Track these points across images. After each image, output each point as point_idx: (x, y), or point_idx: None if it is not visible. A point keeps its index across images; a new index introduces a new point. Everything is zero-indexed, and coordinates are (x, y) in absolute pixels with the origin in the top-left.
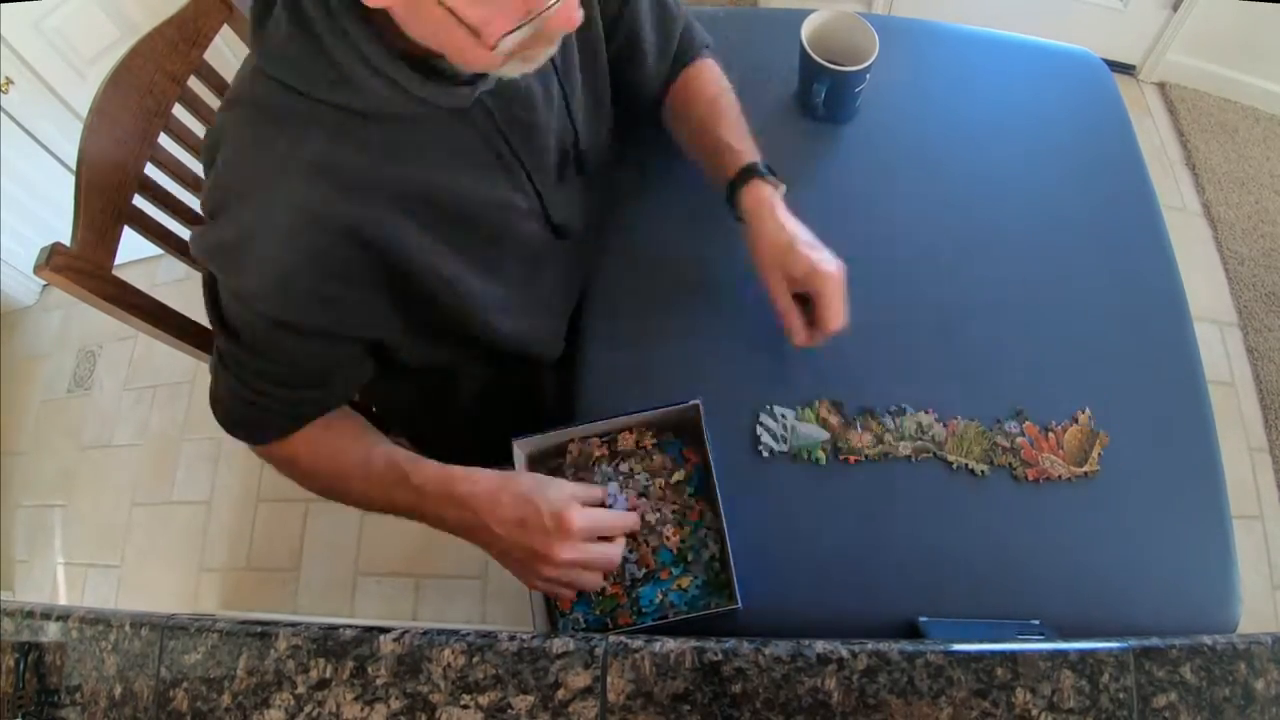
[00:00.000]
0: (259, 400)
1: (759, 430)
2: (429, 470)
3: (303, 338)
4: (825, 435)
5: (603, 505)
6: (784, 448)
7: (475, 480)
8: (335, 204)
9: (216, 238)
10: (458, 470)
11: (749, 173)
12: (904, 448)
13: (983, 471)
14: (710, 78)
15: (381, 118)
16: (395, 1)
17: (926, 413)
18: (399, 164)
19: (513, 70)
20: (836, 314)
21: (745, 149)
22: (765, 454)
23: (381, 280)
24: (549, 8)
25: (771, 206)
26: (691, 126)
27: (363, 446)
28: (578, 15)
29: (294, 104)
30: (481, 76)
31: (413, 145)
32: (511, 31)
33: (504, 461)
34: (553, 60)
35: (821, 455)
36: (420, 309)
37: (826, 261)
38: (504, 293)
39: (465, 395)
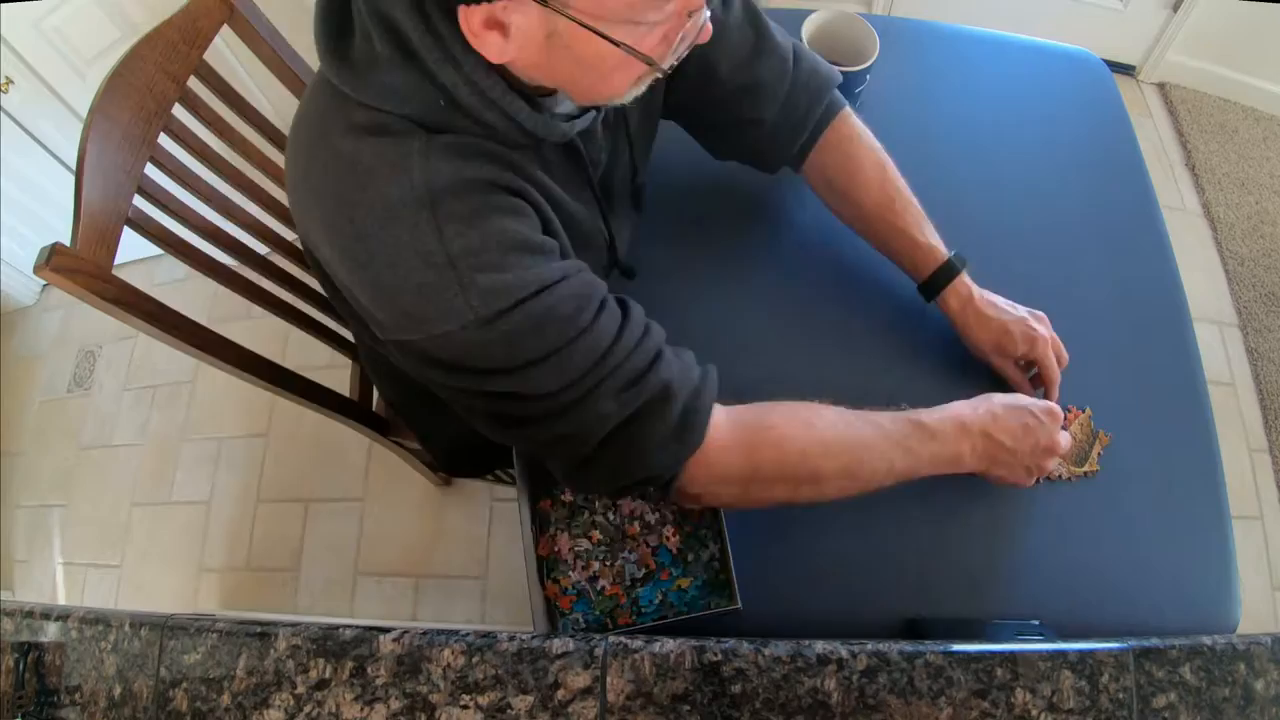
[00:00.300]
0: (637, 380)
1: None
2: (938, 415)
3: (558, 268)
4: None
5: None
6: None
7: (975, 409)
8: (483, 180)
9: (401, 289)
10: (956, 406)
11: (948, 272)
12: None
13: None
14: (866, 146)
15: (490, 145)
16: (528, 54)
17: None
18: (524, 175)
19: (630, 95)
20: (1056, 371)
21: (935, 242)
22: None
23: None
24: (700, 25)
25: (974, 300)
26: (864, 212)
27: (853, 415)
28: (711, 28)
29: (408, 130)
30: (576, 115)
31: (531, 164)
32: (677, 49)
33: (505, 462)
34: None
35: None
36: None
37: (1032, 330)
38: None
39: None
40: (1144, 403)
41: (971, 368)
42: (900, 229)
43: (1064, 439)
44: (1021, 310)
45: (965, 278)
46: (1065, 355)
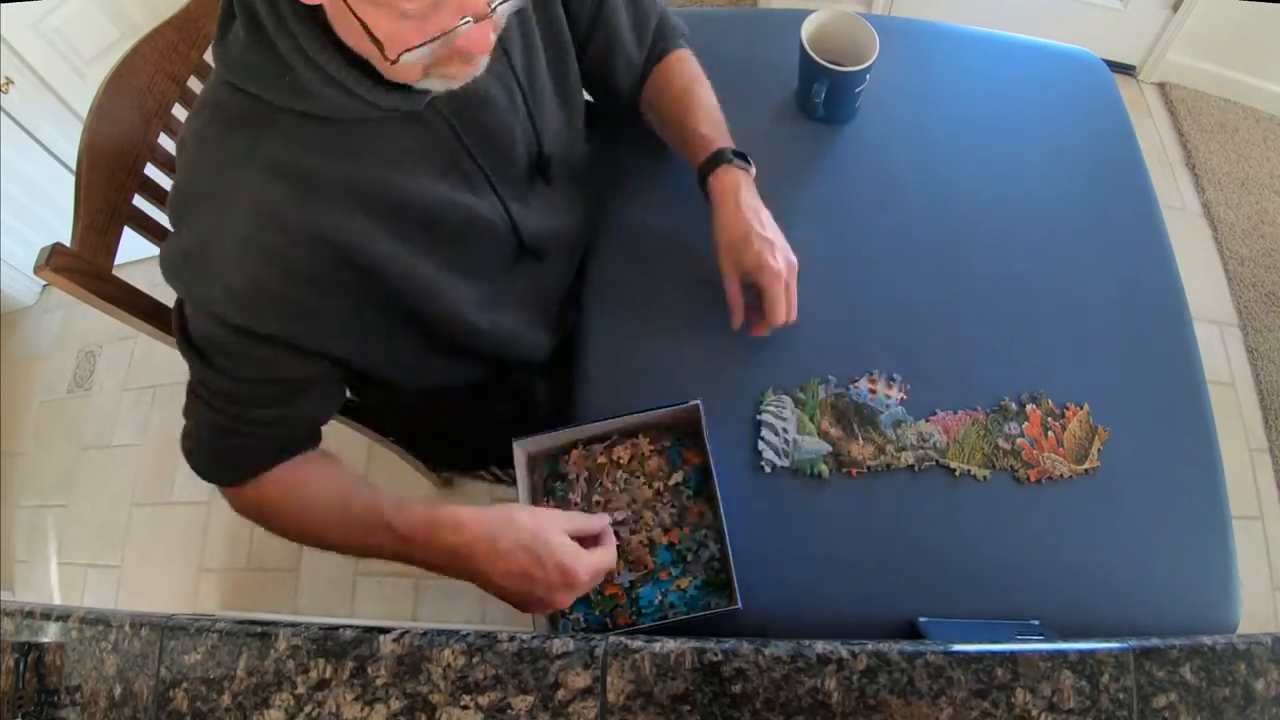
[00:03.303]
0: (231, 427)
1: (760, 445)
2: (411, 515)
3: (270, 348)
4: (827, 449)
5: (594, 538)
6: (785, 462)
7: (464, 526)
8: (294, 204)
9: (177, 248)
10: (444, 516)
11: (717, 159)
12: (906, 458)
13: (984, 476)
14: (682, 69)
15: (338, 121)
16: (328, 9)
17: (927, 421)
18: (357, 166)
19: (433, 86)
20: (778, 311)
21: (715, 135)
22: (768, 469)
23: (348, 283)
24: (455, 30)
25: (736, 193)
26: (664, 118)
27: (341, 489)
28: (490, 39)
29: (252, 109)
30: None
31: (370, 148)
32: (412, 49)
33: (505, 463)
34: (511, 63)
35: (824, 469)
36: (394, 313)
37: (774, 259)
38: (478, 290)
39: (459, 400)
40: (1144, 403)
41: (984, 346)
42: (688, 124)
43: (567, 602)
44: (780, 240)
45: (738, 174)
46: (794, 312)
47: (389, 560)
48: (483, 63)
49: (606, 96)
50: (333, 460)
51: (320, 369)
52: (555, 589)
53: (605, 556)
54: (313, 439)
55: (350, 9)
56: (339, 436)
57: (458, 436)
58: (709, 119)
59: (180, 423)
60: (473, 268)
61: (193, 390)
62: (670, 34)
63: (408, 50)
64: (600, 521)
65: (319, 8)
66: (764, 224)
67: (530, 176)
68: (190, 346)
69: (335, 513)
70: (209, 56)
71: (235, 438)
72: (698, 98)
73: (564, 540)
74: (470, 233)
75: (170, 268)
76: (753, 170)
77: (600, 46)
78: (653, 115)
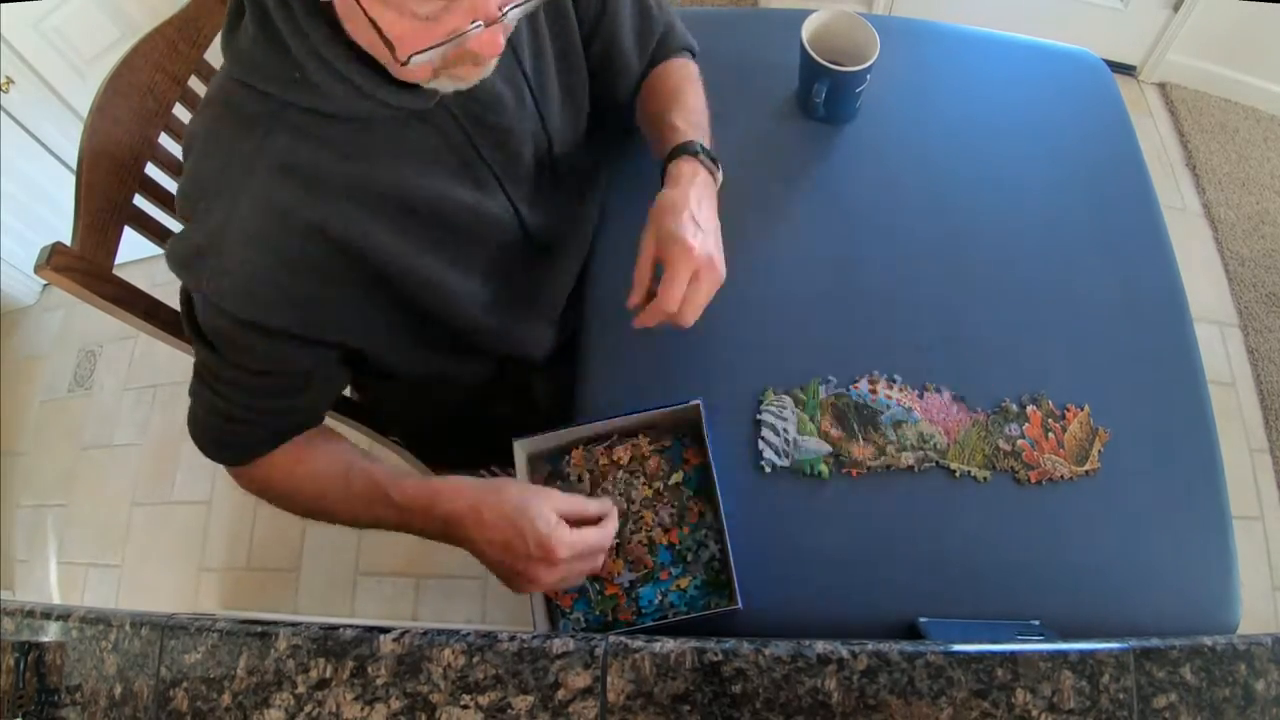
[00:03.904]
0: (236, 415)
1: (760, 445)
2: (410, 487)
3: (276, 341)
4: (827, 449)
5: (586, 519)
6: (786, 463)
7: (457, 495)
8: (302, 201)
9: (186, 243)
10: (440, 485)
11: (684, 148)
12: (906, 458)
13: (985, 478)
14: (678, 72)
15: (346, 119)
16: (339, 7)
17: (929, 422)
18: (365, 163)
19: (443, 86)
20: (673, 295)
21: (689, 131)
22: (768, 469)
23: (355, 279)
24: (465, 33)
25: (689, 180)
26: (647, 115)
27: (341, 464)
28: (500, 43)
29: (261, 105)
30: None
31: (378, 146)
32: (422, 51)
33: (505, 461)
34: (520, 63)
35: (824, 469)
36: (400, 308)
37: (695, 240)
38: (484, 289)
39: (459, 396)
40: (1144, 403)
41: (983, 347)
42: (665, 118)
43: (549, 578)
44: (713, 234)
45: (700, 168)
46: (690, 316)
47: (392, 530)
48: (492, 65)
49: (604, 103)
50: (332, 436)
51: (326, 356)
52: (534, 563)
53: (591, 536)
54: (315, 423)
55: (362, 8)
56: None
57: (460, 434)
58: (689, 117)
59: (181, 421)
60: (479, 266)
61: (199, 374)
62: (674, 44)
63: (418, 52)
64: (600, 506)
65: (329, 5)
66: (703, 216)
67: (538, 176)
68: (197, 333)
69: (337, 489)
70: (213, 53)
71: (239, 424)
72: (684, 96)
73: (547, 515)
74: (478, 231)
75: (180, 262)
76: (719, 175)
77: (599, 53)
78: (640, 117)
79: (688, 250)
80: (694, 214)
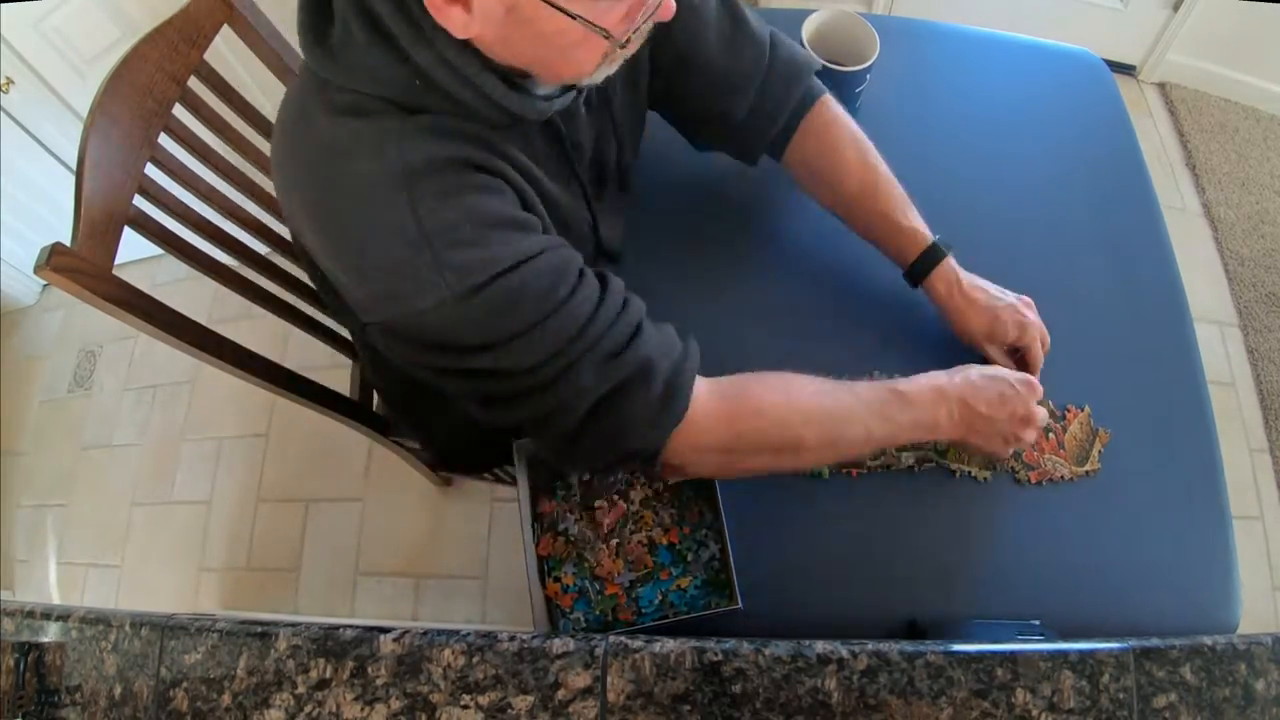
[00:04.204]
0: (615, 350)
1: None
2: (915, 384)
3: (548, 254)
4: None
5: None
6: None
7: (952, 378)
8: (463, 157)
9: (379, 265)
10: (935, 375)
11: (933, 256)
12: (906, 458)
13: (985, 478)
14: (845, 131)
15: (469, 123)
16: (491, 29)
17: None
18: (501, 152)
19: (599, 75)
20: (1040, 357)
21: (919, 226)
22: None
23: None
24: (660, 2)
25: (963, 285)
26: (846, 198)
27: (832, 384)
28: (673, 4)
29: (383, 110)
30: (554, 95)
31: (508, 143)
32: (637, 28)
33: (505, 461)
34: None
35: (824, 469)
36: None
37: (1022, 316)
38: None
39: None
40: (1144, 402)
41: (959, 350)
42: (883, 213)
43: (1041, 413)
44: (1010, 296)
45: (952, 262)
46: (1048, 340)
47: (895, 442)
48: (637, 44)
49: (707, 132)
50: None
51: (556, 240)
52: (1029, 400)
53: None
54: (667, 335)
55: (558, 8)
56: (340, 436)
57: (485, 437)
58: (902, 203)
59: (181, 421)
60: None
61: (524, 393)
62: (804, 80)
63: (635, 29)
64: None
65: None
66: (995, 295)
67: (599, 185)
68: (463, 349)
69: (854, 406)
70: (213, 53)
71: (629, 354)
72: (882, 175)
73: (1006, 369)
74: (577, 237)
75: (384, 295)
76: (953, 251)
77: (673, 59)
78: (815, 187)
79: (1031, 332)
80: (1001, 304)
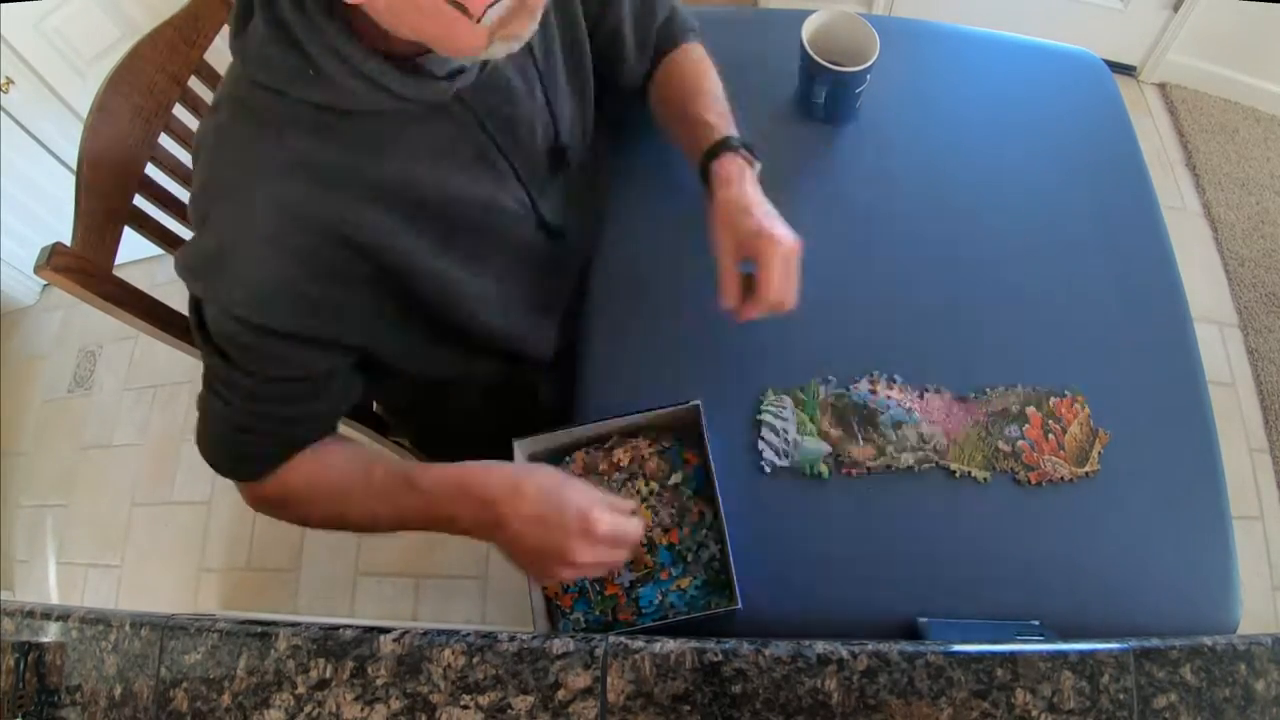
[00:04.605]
0: (251, 425)
1: (760, 445)
2: (435, 472)
3: (291, 345)
4: (827, 449)
5: (619, 510)
6: (786, 463)
7: (490, 473)
8: (316, 201)
9: (198, 249)
10: (470, 466)
11: (722, 146)
12: (906, 459)
13: (985, 479)
14: (691, 59)
15: (361, 115)
16: None
17: (929, 422)
18: (380, 160)
19: (498, 51)
20: (775, 284)
21: (721, 124)
22: (767, 469)
23: (368, 277)
24: None
25: (740, 178)
26: (670, 109)
27: (360, 464)
28: None
29: (272, 103)
30: (459, 72)
31: (393, 142)
32: (495, 2)
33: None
34: (532, 52)
35: (824, 469)
36: (411, 307)
37: (777, 229)
38: (494, 289)
39: (464, 396)
40: (1145, 404)
41: (983, 346)
42: (692, 112)
43: (586, 556)
44: (776, 214)
45: (743, 162)
46: (792, 297)
47: (413, 525)
48: (538, 16)
49: (612, 97)
50: (346, 440)
51: (340, 360)
52: (573, 538)
53: (626, 524)
54: (330, 430)
55: None
56: None
57: (468, 436)
58: (715, 107)
59: (181, 421)
60: (493, 265)
61: (209, 385)
62: (680, 29)
63: (491, 5)
64: (628, 503)
65: (354, 7)
66: (768, 205)
67: (551, 168)
68: (209, 344)
69: (359, 486)
70: (213, 53)
71: (252, 434)
72: (704, 87)
73: (589, 492)
74: (493, 227)
75: (190, 268)
76: (758, 165)
77: (602, 43)
78: (657, 110)
79: (778, 242)
80: (763, 205)
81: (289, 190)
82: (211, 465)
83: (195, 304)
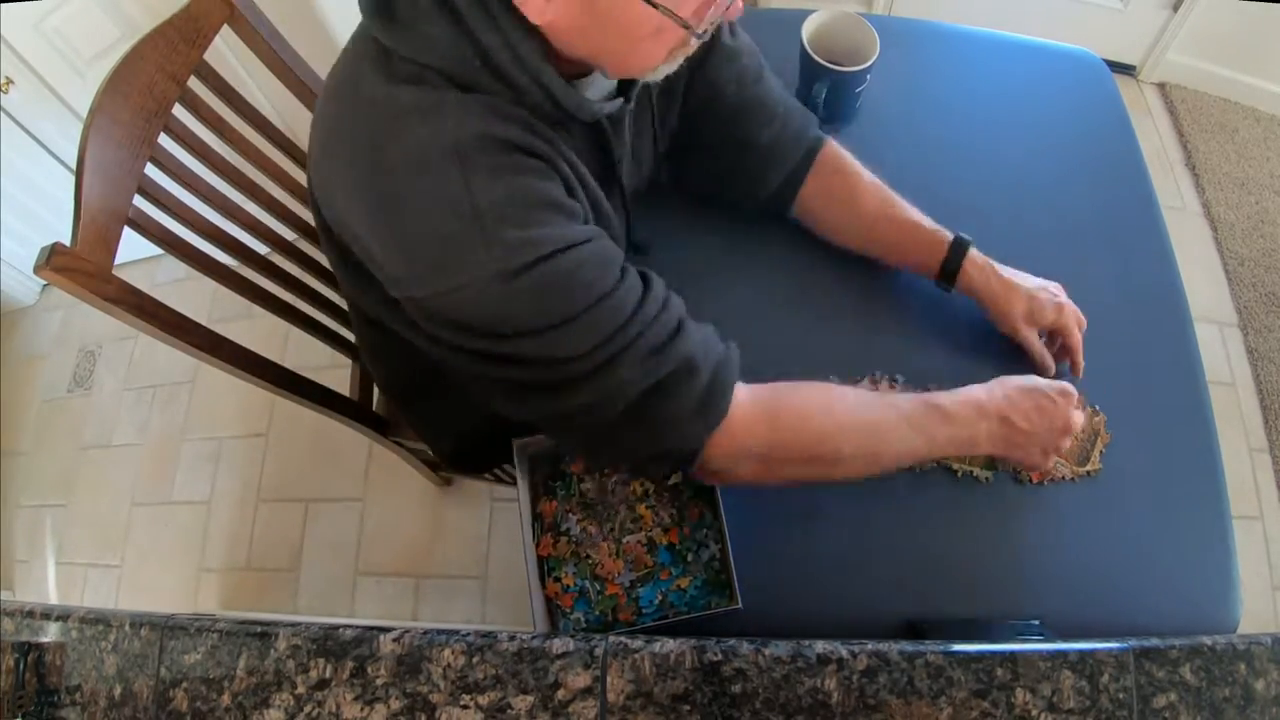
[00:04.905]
0: (659, 343)
1: None
2: (943, 400)
3: (594, 242)
4: None
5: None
6: None
7: (977, 394)
8: (512, 139)
9: (428, 241)
10: (968, 391)
11: (961, 247)
12: None
13: (986, 478)
14: (855, 162)
15: (527, 108)
16: (567, 16)
17: None
18: (550, 141)
19: (662, 71)
20: (1079, 338)
21: (938, 226)
22: None
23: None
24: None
25: (996, 270)
26: (867, 219)
27: (867, 394)
28: (740, 4)
29: (444, 86)
30: (608, 97)
31: (557, 138)
32: (708, 14)
33: (506, 461)
34: (649, 86)
35: None
36: None
37: (1056, 296)
38: None
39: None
40: (1144, 402)
41: (985, 348)
42: (905, 220)
43: (1077, 417)
44: (1036, 278)
45: (976, 251)
46: (1084, 323)
47: (919, 457)
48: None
49: (730, 166)
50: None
51: (600, 230)
52: (1065, 410)
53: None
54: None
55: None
56: (340, 436)
57: (494, 437)
58: (917, 211)
59: (181, 421)
60: None
61: (611, 363)
62: (811, 126)
63: (708, 21)
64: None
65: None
66: (1028, 277)
67: (639, 193)
68: (501, 335)
69: (889, 413)
70: (213, 53)
71: (671, 350)
72: (890, 191)
73: (1041, 378)
74: (612, 237)
75: (432, 265)
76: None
77: (701, 97)
78: (834, 215)
79: (1069, 314)
80: (1038, 288)
81: (487, 128)
82: (647, 456)
83: (456, 323)
